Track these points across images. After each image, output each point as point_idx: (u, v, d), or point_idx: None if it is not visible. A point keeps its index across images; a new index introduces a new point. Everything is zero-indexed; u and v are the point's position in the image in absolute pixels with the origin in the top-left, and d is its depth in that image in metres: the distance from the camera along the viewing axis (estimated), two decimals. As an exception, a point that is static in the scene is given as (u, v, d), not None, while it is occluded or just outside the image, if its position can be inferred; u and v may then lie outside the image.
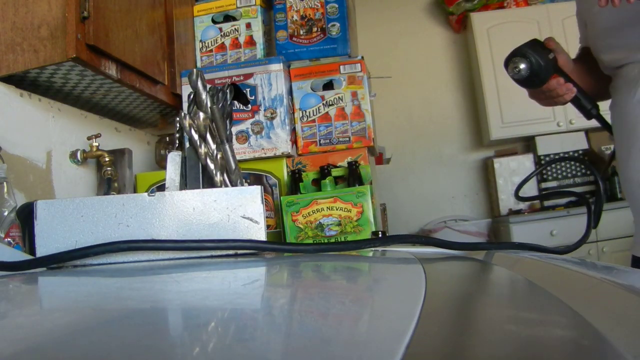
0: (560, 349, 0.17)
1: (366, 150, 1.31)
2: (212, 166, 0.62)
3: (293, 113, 1.37)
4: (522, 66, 0.88)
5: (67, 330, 0.22)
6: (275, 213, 1.30)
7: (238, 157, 1.27)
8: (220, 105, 0.67)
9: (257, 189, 0.53)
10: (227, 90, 0.70)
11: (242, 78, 1.34)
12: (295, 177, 1.27)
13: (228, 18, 1.47)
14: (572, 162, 2.71)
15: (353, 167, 1.25)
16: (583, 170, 2.72)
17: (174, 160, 0.61)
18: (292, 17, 1.45)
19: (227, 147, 0.67)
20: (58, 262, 0.44)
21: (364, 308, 0.26)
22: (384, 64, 2.89)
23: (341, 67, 1.36)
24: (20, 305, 0.32)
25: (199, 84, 0.63)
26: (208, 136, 0.63)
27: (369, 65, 1.52)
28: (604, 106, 0.97)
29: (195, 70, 0.63)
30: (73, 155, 1.17)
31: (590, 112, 0.94)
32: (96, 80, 1.11)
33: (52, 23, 0.99)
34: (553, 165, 2.76)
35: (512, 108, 2.73)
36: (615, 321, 0.22)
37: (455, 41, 3.12)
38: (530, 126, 2.75)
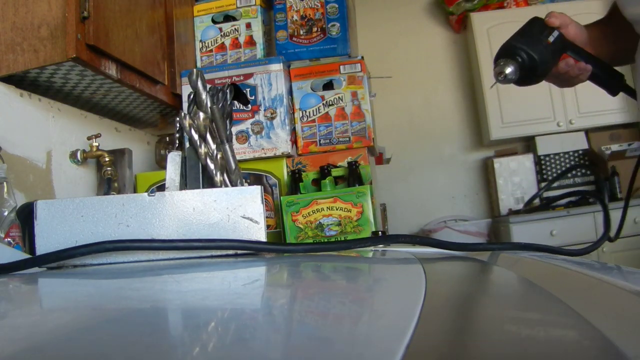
0: (560, 349, 0.17)
1: (366, 150, 1.31)
2: (212, 166, 0.62)
3: (293, 113, 1.37)
4: (508, 70, 0.74)
5: (64, 331, 0.22)
6: (275, 213, 1.30)
7: (238, 157, 1.27)
8: (220, 105, 0.67)
9: (257, 189, 0.53)
10: (227, 90, 0.70)
11: (242, 78, 1.34)
12: (295, 177, 1.27)
13: (228, 18, 1.47)
14: (577, 170, 2.70)
15: (353, 167, 1.25)
16: (583, 170, 2.72)
17: (174, 160, 0.61)
18: (292, 17, 1.45)
19: (227, 147, 0.67)
20: (41, 264, 0.43)
21: (364, 308, 0.26)
22: (384, 64, 2.89)
23: (341, 67, 1.36)
24: (19, 305, 0.32)
25: (199, 84, 0.63)
26: (208, 136, 0.63)
27: (369, 65, 1.52)
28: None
29: (195, 70, 0.63)
30: (73, 155, 1.17)
31: (613, 88, 0.79)
32: (96, 80, 1.11)
33: (52, 23, 0.99)
34: (553, 166, 2.76)
35: (512, 108, 2.73)
36: (615, 321, 0.22)
37: (455, 41, 3.12)
38: (530, 126, 2.75)
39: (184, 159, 0.62)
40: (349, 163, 1.27)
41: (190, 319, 0.24)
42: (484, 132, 2.91)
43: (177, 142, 0.67)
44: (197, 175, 0.62)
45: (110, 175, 1.18)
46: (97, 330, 0.22)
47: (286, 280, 0.39)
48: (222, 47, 1.46)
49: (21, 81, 1.05)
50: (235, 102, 0.77)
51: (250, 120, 1.33)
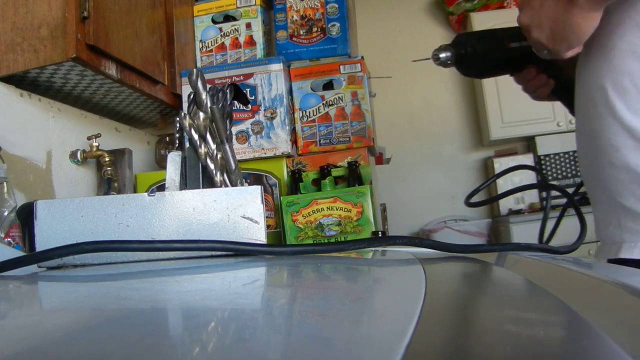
0: (560, 348, 0.17)
1: (366, 150, 1.31)
2: (212, 166, 0.62)
3: (293, 113, 1.37)
4: (443, 55, 0.80)
5: (62, 331, 0.22)
6: (275, 213, 1.30)
7: (238, 157, 1.27)
8: (220, 105, 0.67)
9: (257, 189, 0.53)
10: (227, 90, 0.70)
11: (242, 78, 1.34)
12: (295, 177, 1.27)
13: (228, 18, 1.47)
14: (577, 169, 2.71)
15: (353, 167, 1.25)
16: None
17: (174, 160, 0.61)
18: (292, 17, 1.45)
19: (227, 147, 0.67)
20: (23, 265, 0.43)
21: (364, 307, 0.26)
22: (384, 64, 2.88)
23: (341, 67, 1.36)
24: (18, 305, 0.32)
25: (199, 84, 0.63)
26: (208, 136, 0.63)
27: (369, 65, 1.52)
28: None
29: (195, 70, 0.63)
30: (73, 155, 1.17)
31: (573, 106, 0.74)
32: (96, 80, 1.11)
33: (52, 23, 0.99)
34: (553, 166, 2.76)
35: (512, 108, 2.73)
36: (615, 321, 0.22)
37: (455, 41, 3.12)
38: (530, 126, 2.75)
39: (184, 159, 0.62)
40: (349, 163, 1.27)
41: (190, 319, 0.24)
42: (484, 132, 2.91)
43: (177, 142, 0.67)
44: (197, 175, 0.62)
45: (110, 175, 1.18)
46: (97, 330, 0.21)
47: (286, 280, 0.39)
48: (222, 47, 1.46)
49: (21, 81, 1.05)
50: (235, 102, 0.77)
51: (250, 120, 1.33)
